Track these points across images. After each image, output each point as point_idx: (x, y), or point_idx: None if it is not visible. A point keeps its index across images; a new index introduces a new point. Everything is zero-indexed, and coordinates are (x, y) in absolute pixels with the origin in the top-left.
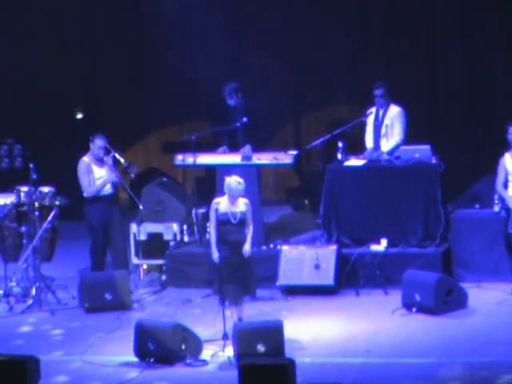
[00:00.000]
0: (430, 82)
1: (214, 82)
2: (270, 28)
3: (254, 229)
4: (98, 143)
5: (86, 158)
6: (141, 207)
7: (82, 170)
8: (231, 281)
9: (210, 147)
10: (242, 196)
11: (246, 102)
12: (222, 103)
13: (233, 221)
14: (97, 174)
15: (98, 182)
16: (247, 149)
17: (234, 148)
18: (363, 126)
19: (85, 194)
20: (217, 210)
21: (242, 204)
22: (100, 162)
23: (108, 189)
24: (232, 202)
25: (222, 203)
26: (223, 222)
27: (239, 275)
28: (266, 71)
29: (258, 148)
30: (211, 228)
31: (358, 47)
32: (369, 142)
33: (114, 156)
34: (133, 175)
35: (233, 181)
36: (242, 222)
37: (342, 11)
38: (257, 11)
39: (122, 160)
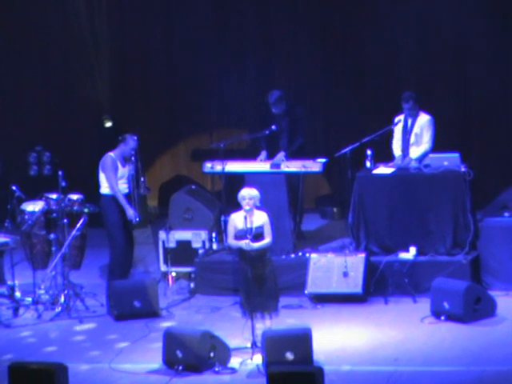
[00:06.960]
0: (460, 89)
1: (243, 91)
2: (300, 40)
3: (270, 241)
4: (131, 144)
5: (112, 154)
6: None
7: (109, 166)
8: (256, 294)
9: (240, 155)
10: (259, 209)
11: (289, 108)
12: (266, 110)
13: (248, 237)
14: (119, 173)
15: (119, 182)
16: (281, 156)
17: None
18: (391, 134)
19: (108, 190)
20: (234, 226)
21: (259, 218)
22: (124, 161)
23: (125, 189)
24: (248, 216)
25: (237, 219)
26: (240, 238)
27: (264, 288)
28: (296, 80)
29: (296, 154)
30: (229, 240)
31: (387, 54)
32: (397, 150)
33: (137, 164)
34: (143, 192)
35: (243, 190)
36: (258, 236)
37: (369, 16)
38: (287, 23)
39: (142, 179)
